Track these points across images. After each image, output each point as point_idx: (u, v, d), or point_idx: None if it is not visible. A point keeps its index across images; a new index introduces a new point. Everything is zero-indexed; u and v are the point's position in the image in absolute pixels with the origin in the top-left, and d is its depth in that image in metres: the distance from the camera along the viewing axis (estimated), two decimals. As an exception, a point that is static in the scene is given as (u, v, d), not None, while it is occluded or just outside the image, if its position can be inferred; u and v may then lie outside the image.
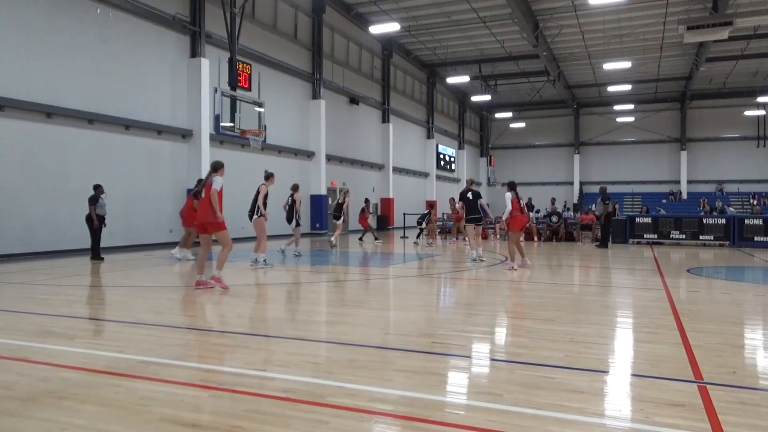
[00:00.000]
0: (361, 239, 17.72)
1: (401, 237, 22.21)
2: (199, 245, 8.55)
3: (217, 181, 7.98)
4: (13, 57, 12.55)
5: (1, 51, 12.30)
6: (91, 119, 14.22)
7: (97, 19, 14.48)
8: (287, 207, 13.02)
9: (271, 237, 19.52)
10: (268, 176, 11.50)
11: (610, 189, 41.55)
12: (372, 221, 29.24)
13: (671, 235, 18.18)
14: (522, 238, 11.70)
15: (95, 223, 12.13)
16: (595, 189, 41.12)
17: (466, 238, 13.55)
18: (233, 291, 8.17)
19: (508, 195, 10.89)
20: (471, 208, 12.25)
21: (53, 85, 13.38)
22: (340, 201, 16.76)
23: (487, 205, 12.62)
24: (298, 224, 13.03)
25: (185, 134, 17.12)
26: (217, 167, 8.21)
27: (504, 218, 11.15)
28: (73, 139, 13.91)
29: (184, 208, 12.52)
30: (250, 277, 9.75)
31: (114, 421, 3.11)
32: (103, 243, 12.68)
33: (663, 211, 25.42)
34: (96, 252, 12.29)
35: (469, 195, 12.26)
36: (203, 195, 8.01)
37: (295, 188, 13.02)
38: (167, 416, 3.16)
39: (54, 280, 9.12)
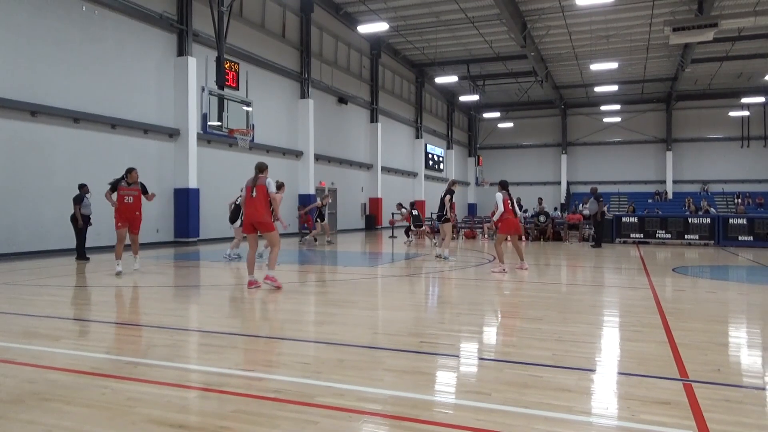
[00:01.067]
0: (311, 240, 17.69)
1: (390, 237, 22.22)
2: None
3: (272, 183, 8.06)
4: (-4, 54, 12.39)
5: (-16, 48, 12.14)
6: (76, 118, 14.07)
7: (83, 16, 14.33)
8: (233, 206, 12.76)
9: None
10: (279, 186, 11.47)
11: (599, 189, 41.96)
12: (360, 221, 29.15)
13: (657, 235, 18.36)
14: (523, 239, 11.51)
15: (80, 222, 12.00)
16: (582, 189, 41.50)
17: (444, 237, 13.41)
18: (221, 291, 8.13)
19: (499, 195, 10.48)
20: (441, 207, 12.58)
21: (38, 83, 13.22)
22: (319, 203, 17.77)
23: (451, 202, 12.45)
24: (242, 224, 12.80)
25: (172, 133, 16.98)
26: (263, 168, 8.16)
27: (494, 219, 10.73)
28: (58, 138, 13.76)
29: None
30: (239, 277, 9.70)
31: (100, 422, 3.08)
32: (89, 243, 12.56)
33: (660, 212, 25.28)
34: (81, 252, 12.17)
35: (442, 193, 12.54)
36: (255, 195, 7.97)
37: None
38: (154, 417, 3.14)
39: (39, 281, 9.02)
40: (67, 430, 2.98)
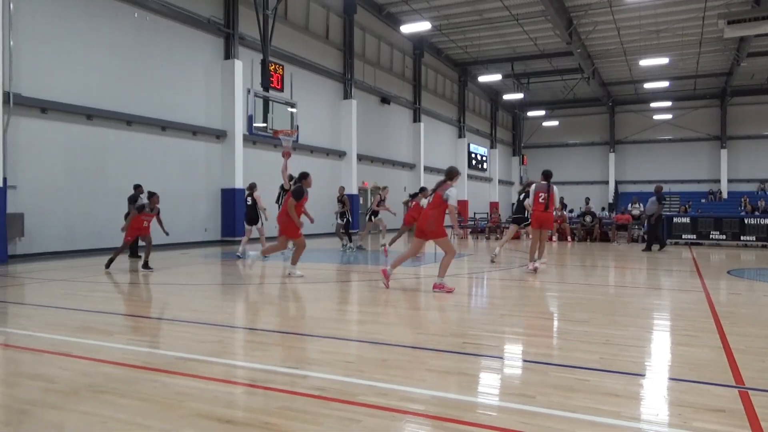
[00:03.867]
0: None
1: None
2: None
3: (452, 195, 7.69)
4: (55, 61, 12.96)
5: (44, 56, 12.72)
6: (129, 121, 14.59)
7: (135, 23, 14.84)
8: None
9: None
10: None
11: (647, 188, 40.72)
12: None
13: (711, 236, 17.68)
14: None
15: None
16: (632, 188, 40.42)
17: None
18: (266, 289, 8.28)
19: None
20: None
21: (93, 88, 13.77)
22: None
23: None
24: (262, 223, 12.98)
25: (219, 135, 17.41)
26: (452, 174, 7.84)
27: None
28: (112, 140, 14.30)
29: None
30: (284, 276, 9.85)
31: (152, 415, 3.18)
32: (140, 242, 12.96)
33: None
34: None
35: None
36: (431, 201, 7.94)
37: (253, 187, 12.93)
38: (202, 412, 3.22)
39: (94, 278, 9.38)
40: (121, 422, 3.09)
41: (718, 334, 5.18)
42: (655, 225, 15.90)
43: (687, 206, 28.15)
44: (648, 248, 15.81)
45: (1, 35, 11.48)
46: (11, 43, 11.89)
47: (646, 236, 16.15)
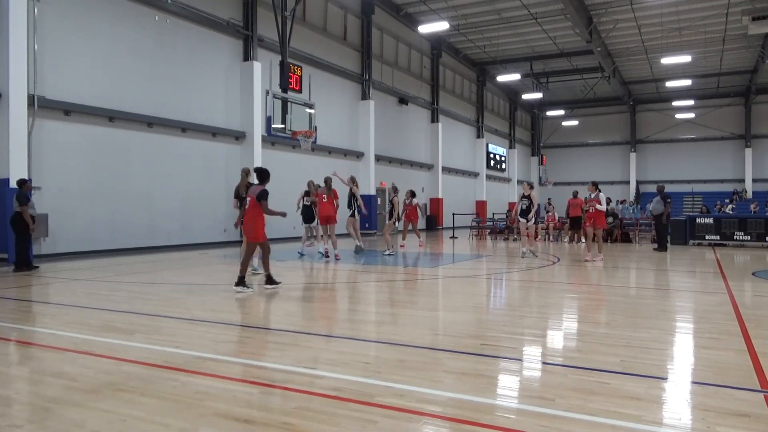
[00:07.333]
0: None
1: (450, 237, 22.08)
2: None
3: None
4: (78, 64, 13.17)
5: (67, 59, 12.94)
6: (150, 122, 14.77)
7: (156, 26, 15.02)
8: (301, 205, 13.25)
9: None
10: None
11: (669, 188, 40.01)
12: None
13: (735, 237, 17.34)
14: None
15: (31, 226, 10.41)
16: (653, 188, 39.74)
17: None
18: (285, 290, 8.31)
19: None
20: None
21: (115, 90, 13.97)
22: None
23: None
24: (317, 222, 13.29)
25: (238, 136, 17.56)
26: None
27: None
28: (134, 141, 14.49)
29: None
30: (300, 276, 9.89)
31: (171, 414, 3.21)
32: (160, 242, 13.11)
33: None
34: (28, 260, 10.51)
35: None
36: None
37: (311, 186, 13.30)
38: (221, 411, 3.25)
39: (115, 277, 9.51)
40: (140, 421, 3.12)
41: (742, 337, 5.08)
42: (665, 224, 15.93)
43: (721, 206, 27.65)
44: (663, 248, 15.66)
45: (25, 39, 11.70)
46: (35, 46, 12.13)
47: (656, 236, 16.37)
